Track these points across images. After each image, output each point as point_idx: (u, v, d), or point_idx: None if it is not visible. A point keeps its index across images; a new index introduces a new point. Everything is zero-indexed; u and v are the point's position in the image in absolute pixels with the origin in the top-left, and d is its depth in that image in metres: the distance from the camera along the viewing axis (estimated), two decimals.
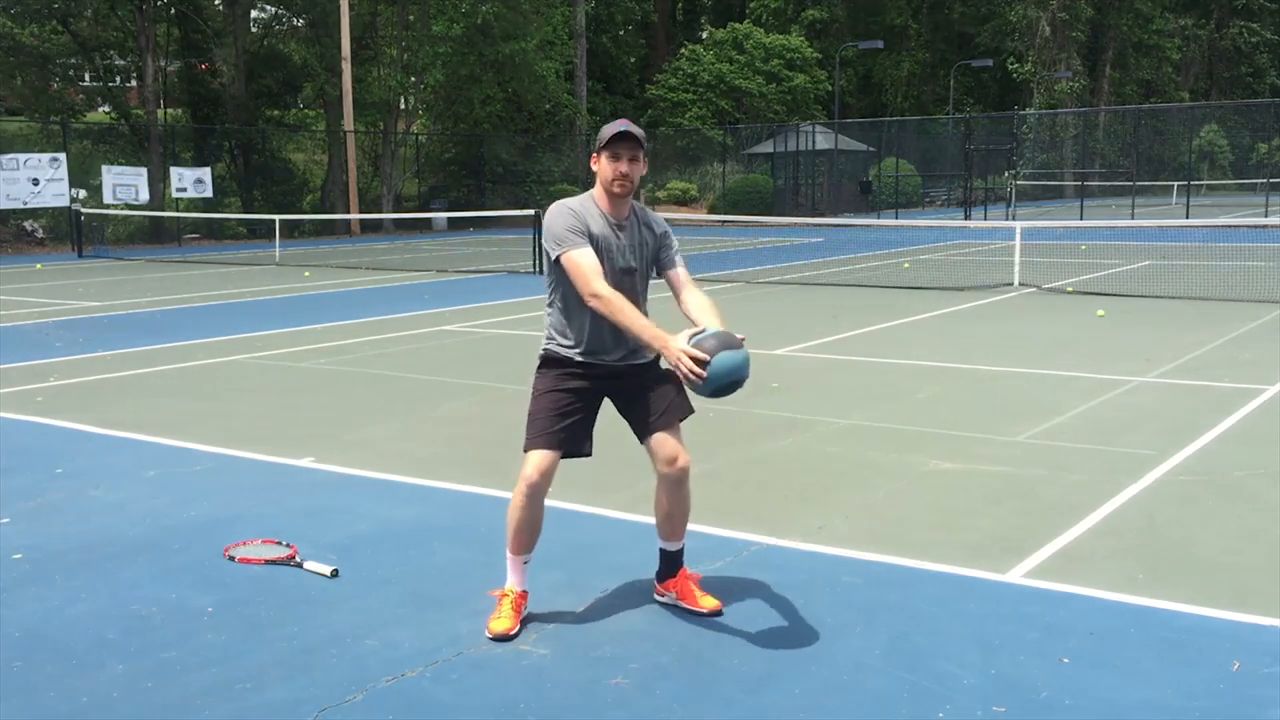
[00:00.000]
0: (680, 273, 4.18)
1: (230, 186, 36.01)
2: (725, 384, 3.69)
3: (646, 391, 4.12)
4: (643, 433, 4.12)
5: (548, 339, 4.21)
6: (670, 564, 4.36)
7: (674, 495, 4.16)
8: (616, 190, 4.02)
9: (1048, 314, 13.09)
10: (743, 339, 3.77)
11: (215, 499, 5.85)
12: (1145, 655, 3.83)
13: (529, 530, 4.15)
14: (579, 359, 4.11)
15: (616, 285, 3.99)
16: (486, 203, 37.70)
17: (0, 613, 4.33)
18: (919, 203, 45.01)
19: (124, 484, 6.17)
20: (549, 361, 4.19)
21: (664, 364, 4.03)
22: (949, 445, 6.78)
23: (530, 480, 4.05)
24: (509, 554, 4.20)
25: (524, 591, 4.20)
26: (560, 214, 4.06)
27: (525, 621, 4.14)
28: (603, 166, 4.06)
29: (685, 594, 4.30)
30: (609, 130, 4.03)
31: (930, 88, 61.42)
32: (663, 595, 4.36)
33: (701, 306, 4.03)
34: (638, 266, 4.12)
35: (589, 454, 4.16)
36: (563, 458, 4.10)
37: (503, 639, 4.01)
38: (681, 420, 4.13)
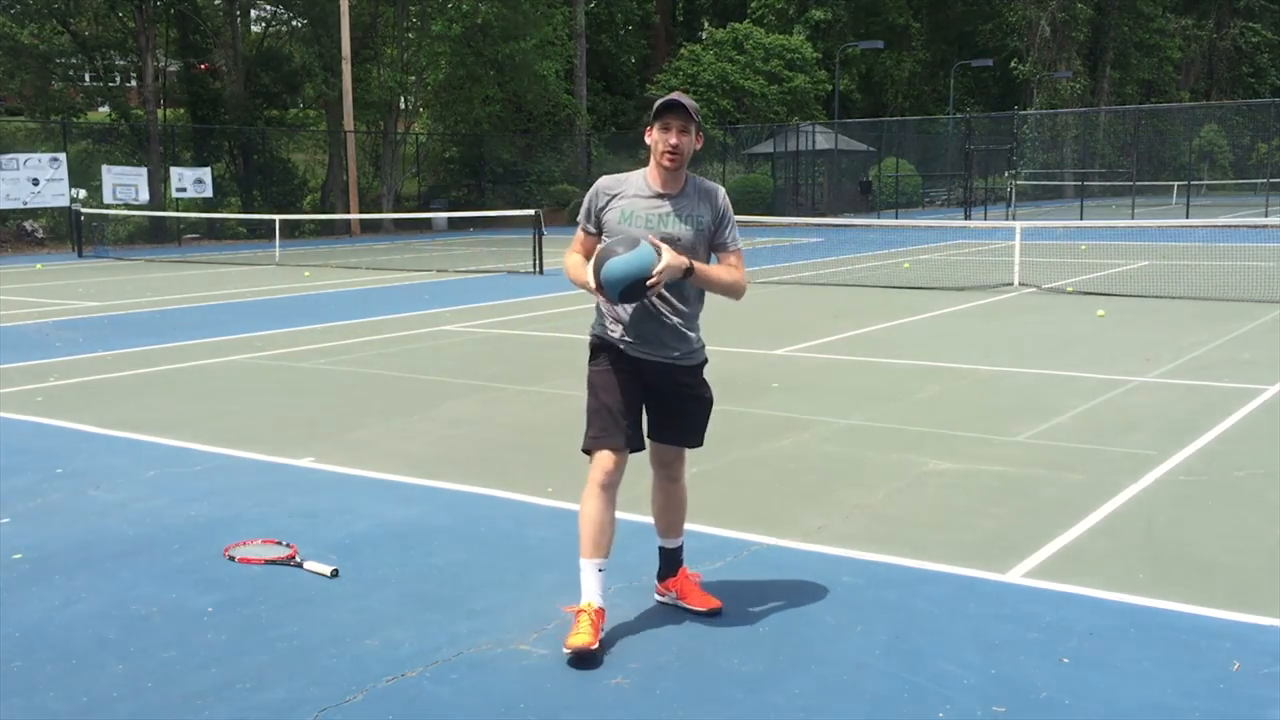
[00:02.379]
0: (727, 257, 4.13)
1: (230, 186, 36.03)
2: (622, 289, 3.82)
3: (677, 406, 4.13)
4: (653, 435, 4.17)
5: (596, 323, 4.16)
6: (670, 562, 4.33)
7: (667, 490, 4.24)
8: (666, 164, 3.95)
9: (1048, 314, 13.09)
10: (636, 241, 3.83)
11: (215, 499, 5.85)
12: (1145, 655, 3.83)
13: (601, 532, 3.99)
14: (626, 350, 4.05)
15: None
16: (486, 203, 37.70)
17: (0, 613, 4.33)
18: (919, 203, 44.99)
19: (124, 484, 6.17)
20: (599, 349, 4.12)
21: (704, 390, 4.17)
22: (949, 445, 6.78)
23: (600, 482, 3.98)
24: (581, 559, 4.01)
25: (601, 607, 3.98)
26: (591, 190, 4.12)
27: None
28: (654, 138, 3.98)
29: (685, 593, 4.27)
30: (660, 101, 3.97)
31: (931, 88, 61.42)
32: (663, 595, 4.33)
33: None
34: (682, 236, 3.98)
35: (643, 448, 4.12)
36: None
37: (583, 654, 3.78)
38: (689, 447, 4.22)
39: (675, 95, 3.96)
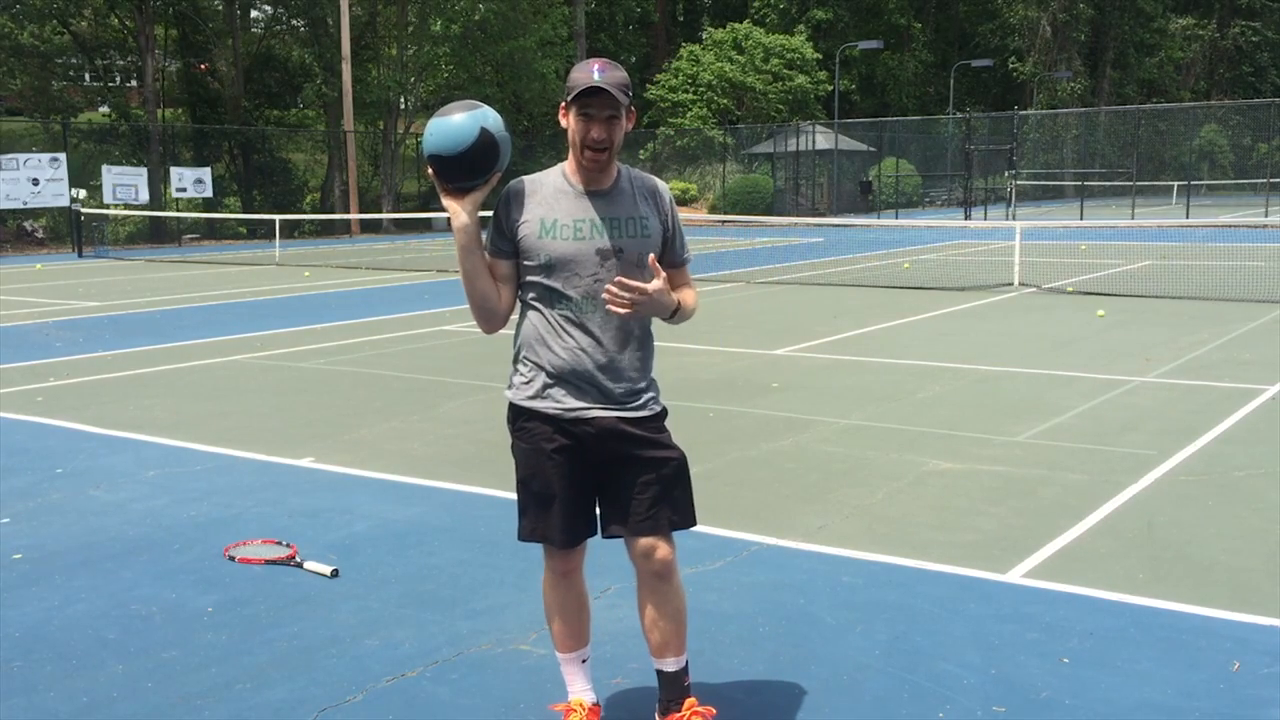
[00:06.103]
0: (680, 275, 3.25)
1: (230, 186, 36.05)
2: (444, 152, 3.07)
3: (637, 479, 3.10)
4: (615, 525, 3.15)
5: (511, 373, 3.23)
6: (671, 689, 3.25)
7: (657, 594, 3.17)
8: (588, 163, 3.05)
9: (1048, 314, 13.09)
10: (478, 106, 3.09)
11: (215, 499, 5.85)
12: (1145, 655, 3.83)
13: (572, 619, 3.31)
14: (559, 414, 3.10)
15: (594, 274, 3.06)
16: (487, 202, 37.66)
17: (0, 613, 4.33)
18: (919, 203, 45.03)
19: (124, 484, 6.17)
20: (516, 415, 3.19)
21: (668, 448, 3.16)
22: (949, 445, 6.78)
23: (557, 571, 3.28)
24: (558, 654, 3.38)
25: (596, 704, 3.35)
26: (499, 199, 3.26)
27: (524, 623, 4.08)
28: (571, 126, 3.04)
29: None
30: (580, 78, 2.97)
31: (933, 88, 61.45)
32: None
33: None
34: (625, 248, 3.07)
35: (595, 533, 3.24)
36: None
37: None
38: (670, 529, 3.13)
39: (599, 70, 2.97)
